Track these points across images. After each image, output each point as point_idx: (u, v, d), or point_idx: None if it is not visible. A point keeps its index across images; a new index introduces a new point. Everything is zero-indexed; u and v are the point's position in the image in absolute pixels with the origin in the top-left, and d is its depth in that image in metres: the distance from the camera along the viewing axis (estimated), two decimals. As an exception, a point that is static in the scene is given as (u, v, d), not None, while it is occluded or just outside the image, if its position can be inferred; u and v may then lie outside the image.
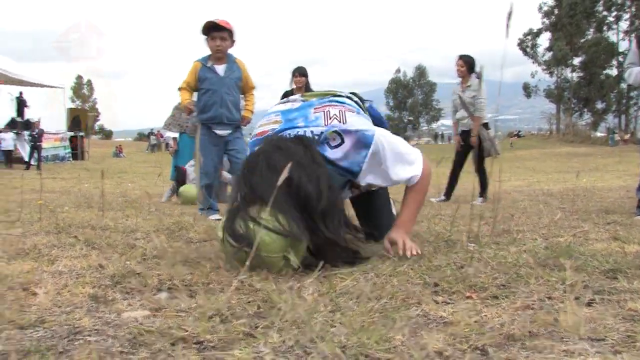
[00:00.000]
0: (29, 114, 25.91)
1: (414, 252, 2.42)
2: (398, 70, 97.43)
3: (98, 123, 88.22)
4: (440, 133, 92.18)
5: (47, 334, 1.42)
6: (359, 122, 2.49)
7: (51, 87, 27.31)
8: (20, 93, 25.69)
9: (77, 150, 27.50)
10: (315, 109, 2.51)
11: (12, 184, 12.93)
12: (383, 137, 2.47)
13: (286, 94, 7.43)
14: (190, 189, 7.03)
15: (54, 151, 25.55)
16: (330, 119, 2.43)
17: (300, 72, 7.59)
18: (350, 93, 2.86)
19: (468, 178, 7.90)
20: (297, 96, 2.75)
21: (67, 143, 26.82)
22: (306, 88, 7.41)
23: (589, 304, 1.69)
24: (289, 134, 2.42)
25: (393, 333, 1.37)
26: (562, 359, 1.19)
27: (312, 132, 2.40)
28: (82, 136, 28.38)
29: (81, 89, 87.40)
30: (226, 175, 6.89)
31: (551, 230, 3.57)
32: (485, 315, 1.58)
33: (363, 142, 2.40)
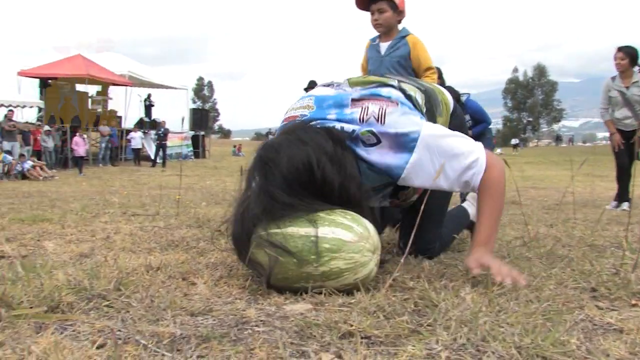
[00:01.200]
0: (156, 114, 27.45)
1: (520, 281, 1.88)
2: (515, 70, 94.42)
3: (217, 123, 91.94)
4: (560, 135, 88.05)
5: (216, 322, 1.48)
6: (402, 122, 2.07)
7: (176, 88, 28.74)
8: (149, 95, 27.22)
9: (198, 149, 28.71)
10: (352, 101, 2.13)
11: (141, 180, 13.74)
12: (432, 137, 2.07)
13: None
14: None
15: (177, 149, 26.82)
16: (367, 116, 2.06)
17: None
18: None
19: (591, 181, 7.50)
20: (342, 80, 2.36)
21: (190, 142, 28.07)
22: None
23: None
24: (317, 124, 2.07)
25: (567, 337, 1.31)
26: None
27: (342, 127, 2.06)
28: (203, 135, 29.58)
29: (202, 90, 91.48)
30: None
31: None
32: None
33: (404, 145, 2.05)
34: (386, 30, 4.30)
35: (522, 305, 1.61)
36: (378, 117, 2.05)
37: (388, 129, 2.04)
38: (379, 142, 2.05)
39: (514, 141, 54.86)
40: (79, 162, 18.20)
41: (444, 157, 2.07)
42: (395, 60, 4.28)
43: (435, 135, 2.08)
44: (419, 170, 2.07)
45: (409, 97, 2.22)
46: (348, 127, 2.05)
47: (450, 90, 7.08)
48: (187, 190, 9.18)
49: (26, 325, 1.35)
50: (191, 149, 28.12)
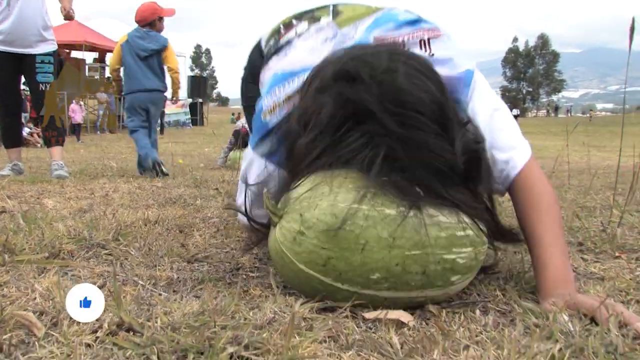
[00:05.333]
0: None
1: None
2: (515, 39, 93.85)
3: (215, 90, 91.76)
4: (558, 105, 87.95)
5: (212, 268, 1.53)
6: (449, 51, 1.48)
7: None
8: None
9: (196, 116, 28.64)
10: (376, 40, 1.46)
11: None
12: (482, 87, 1.47)
13: None
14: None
15: (175, 117, 26.77)
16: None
17: None
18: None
19: (587, 151, 7.54)
20: (325, 23, 1.65)
21: (188, 109, 28.00)
22: None
23: None
24: None
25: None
26: None
27: None
28: (201, 103, 29.47)
29: (200, 57, 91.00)
30: None
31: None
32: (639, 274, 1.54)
33: (464, 79, 1.43)
34: None
35: (508, 255, 1.66)
36: (424, 48, 1.47)
37: (439, 66, 1.32)
38: None
39: (514, 112, 54.99)
40: (76, 129, 18.18)
41: (493, 106, 1.48)
42: None
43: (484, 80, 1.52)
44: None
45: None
46: None
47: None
48: (186, 156, 9.20)
49: (29, 269, 1.39)
50: (189, 116, 28.05)
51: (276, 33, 1.78)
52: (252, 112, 1.55)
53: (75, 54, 22.49)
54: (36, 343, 0.92)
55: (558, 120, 52.92)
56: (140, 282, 1.33)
